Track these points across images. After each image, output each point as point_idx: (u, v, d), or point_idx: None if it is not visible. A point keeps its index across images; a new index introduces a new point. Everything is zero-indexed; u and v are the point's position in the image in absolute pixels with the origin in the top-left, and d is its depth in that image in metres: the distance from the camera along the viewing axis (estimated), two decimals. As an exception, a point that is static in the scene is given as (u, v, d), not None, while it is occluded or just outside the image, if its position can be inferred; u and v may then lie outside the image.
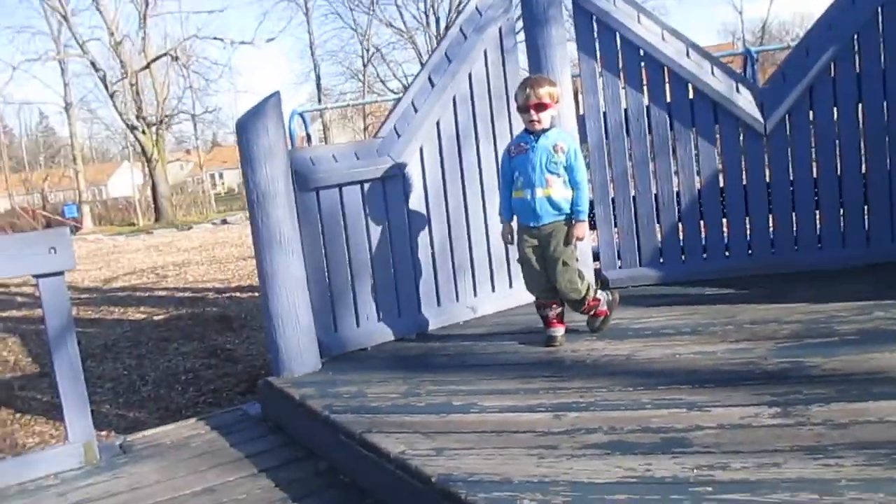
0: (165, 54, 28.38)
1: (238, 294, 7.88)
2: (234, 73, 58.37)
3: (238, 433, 3.23)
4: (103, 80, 26.89)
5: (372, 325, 3.64)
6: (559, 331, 3.32)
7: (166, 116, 29.51)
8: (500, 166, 3.39)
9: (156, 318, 6.97)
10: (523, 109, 3.20)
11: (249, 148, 3.17)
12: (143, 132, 27.20)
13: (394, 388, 2.98)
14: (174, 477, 2.81)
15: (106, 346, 5.93)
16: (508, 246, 3.49)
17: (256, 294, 7.16)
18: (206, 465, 2.89)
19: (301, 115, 12.52)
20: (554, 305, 3.32)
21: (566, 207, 3.21)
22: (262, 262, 3.26)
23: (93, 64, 26.57)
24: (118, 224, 26.32)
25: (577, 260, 3.31)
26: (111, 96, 27.26)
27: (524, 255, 3.30)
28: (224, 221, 21.88)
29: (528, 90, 3.17)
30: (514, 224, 3.35)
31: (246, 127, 3.18)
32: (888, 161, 3.97)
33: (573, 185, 3.21)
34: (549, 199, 3.18)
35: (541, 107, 3.15)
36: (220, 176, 56.06)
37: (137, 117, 27.23)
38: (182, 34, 29.57)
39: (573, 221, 3.23)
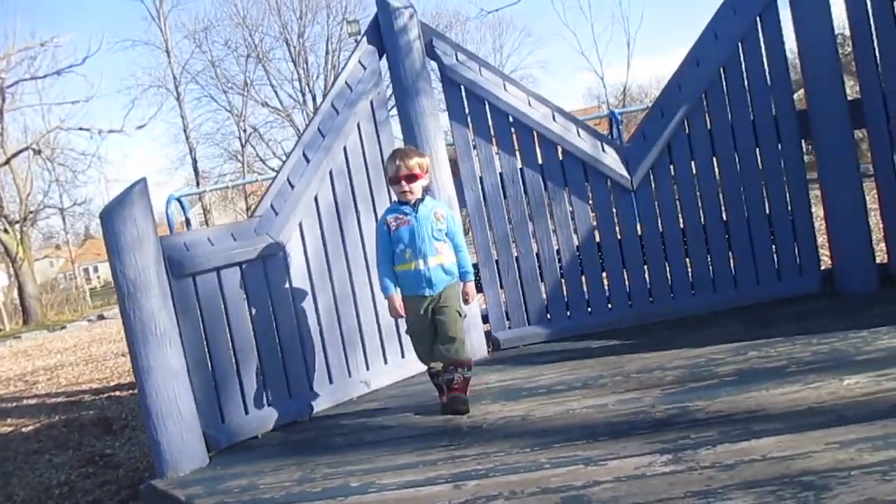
0: (26, 149, 27.03)
1: (118, 393, 7.39)
2: (103, 162, 55.90)
3: (119, 545, 2.97)
4: (-42, 178, 25.33)
5: (261, 411, 3.49)
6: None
7: (31, 213, 27.94)
8: (377, 240, 3.30)
9: (25, 429, 6.42)
10: (394, 181, 3.21)
11: (116, 238, 3.03)
12: (6, 231, 25.60)
13: (287, 476, 2.84)
14: None
15: (-34, 465, 5.38)
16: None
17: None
18: (83, 586, 2.63)
19: (179, 199, 12.15)
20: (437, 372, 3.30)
21: (456, 272, 3.26)
22: (136, 356, 3.08)
23: (-55, 162, 25.02)
24: (-19, 330, 24.37)
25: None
26: (-32, 194, 25.68)
27: (415, 327, 3.27)
28: (101, 317, 20.71)
29: (397, 162, 3.18)
30: (399, 296, 3.29)
31: (111, 217, 3.03)
32: (745, 208, 4.24)
33: (456, 249, 3.27)
34: (442, 267, 3.20)
35: (411, 178, 3.17)
36: (96, 269, 53.43)
37: (-2, 216, 25.69)
38: (45, 126, 28.15)
39: (463, 283, 3.29)
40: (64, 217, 32.97)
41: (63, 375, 9.55)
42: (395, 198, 3.38)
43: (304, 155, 3.79)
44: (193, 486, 2.92)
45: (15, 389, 9.18)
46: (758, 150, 4.22)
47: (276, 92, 33.48)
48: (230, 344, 3.42)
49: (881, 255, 4.38)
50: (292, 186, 3.71)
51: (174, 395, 3.08)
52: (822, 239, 4.40)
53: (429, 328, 3.24)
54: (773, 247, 4.25)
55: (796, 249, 4.24)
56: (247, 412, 3.45)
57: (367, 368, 3.87)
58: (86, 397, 7.49)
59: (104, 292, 34.70)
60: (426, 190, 3.31)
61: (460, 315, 3.23)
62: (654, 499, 2.07)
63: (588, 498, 2.16)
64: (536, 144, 4.33)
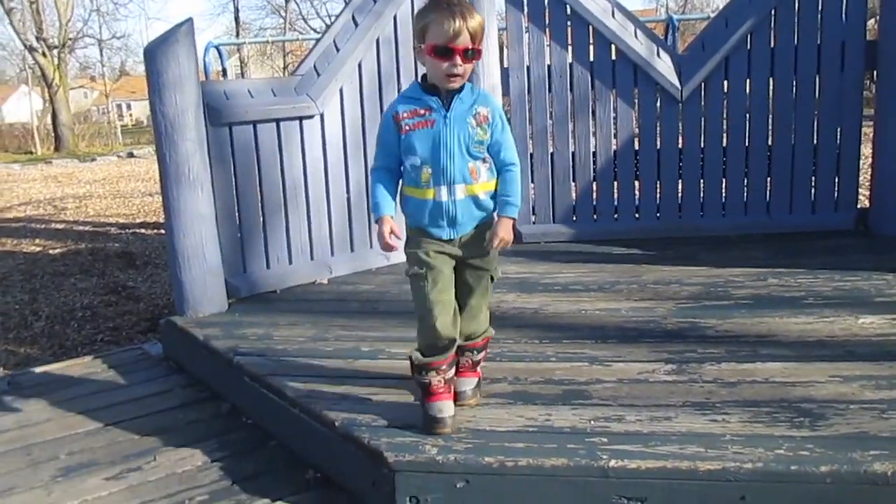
0: (70, -29, 26.53)
1: (143, 230, 7.58)
2: (146, -3, 55.02)
3: (136, 372, 3.14)
4: (0, -5, 24.97)
5: (283, 267, 3.57)
6: (452, 406, 2.09)
7: (69, 39, 27.71)
8: (378, 135, 2.11)
9: (52, 251, 6.64)
10: (442, 52, 1.91)
11: (158, 76, 3.01)
12: (44, 54, 25.46)
13: (302, 332, 2.95)
14: (66, 415, 2.71)
15: (-4, 278, 5.62)
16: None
17: (163, 231, 6.91)
18: (101, 404, 2.80)
19: (217, 48, 12.01)
20: (446, 363, 2.08)
21: (492, 204, 2.07)
22: (168, 197, 3.13)
23: (-13, -23, 24.60)
24: (14, 152, 24.67)
25: None
26: (7, 13, 25.37)
27: (432, 266, 2.05)
28: (131, 154, 20.88)
29: (456, 22, 1.89)
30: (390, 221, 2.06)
31: (155, 54, 3.01)
32: (793, 136, 4.13)
33: (504, 166, 2.05)
34: (476, 201, 2.03)
35: (471, 53, 1.94)
36: (129, 107, 53.33)
37: (37, 38, 25.45)
38: (90, -49, 27.58)
39: (498, 217, 2.06)
40: (101, 49, 32.78)
41: (91, 206, 9.77)
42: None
43: (353, 18, 3.69)
44: (211, 328, 3.04)
45: (44, 212, 9.43)
46: (818, 76, 4.07)
47: (327, -53, 32.22)
48: (259, 198, 3.47)
49: (921, 203, 4.28)
50: (338, 49, 3.64)
51: (201, 239, 3.16)
52: (862, 178, 4.30)
53: (451, 278, 2.09)
54: (813, 178, 4.17)
55: (836, 184, 4.15)
56: (268, 267, 3.54)
57: (389, 242, 3.92)
58: (112, 230, 7.69)
59: (135, 131, 34.87)
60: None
61: (492, 280, 2.18)
62: (652, 403, 2.14)
63: (589, 393, 2.23)
64: (591, 40, 4.19)
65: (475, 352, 2.21)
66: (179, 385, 2.98)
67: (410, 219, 2.10)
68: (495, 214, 2.07)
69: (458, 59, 1.92)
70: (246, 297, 3.42)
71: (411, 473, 1.91)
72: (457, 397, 2.14)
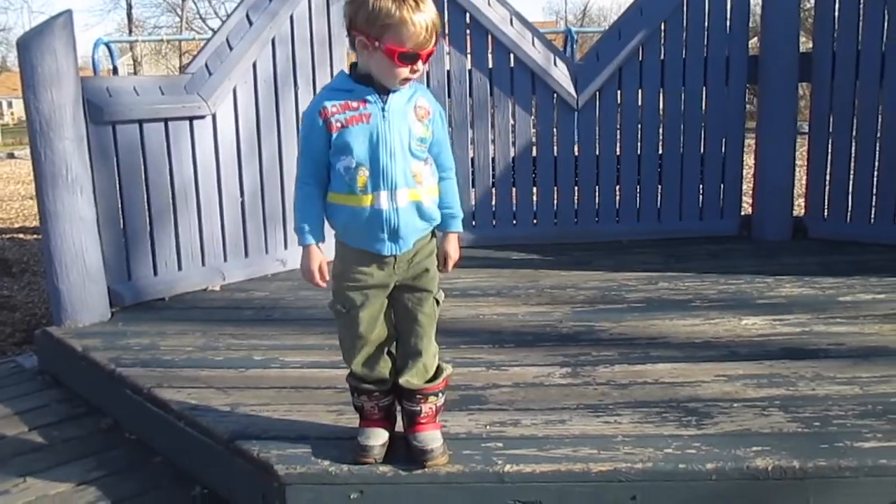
0: (-55, -41, 24.79)
1: (21, 236, 7.12)
2: (29, -10, 51.95)
3: (8, 387, 2.93)
4: None
5: (171, 273, 3.41)
6: (383, 434, 1.92)
7: (-56, 31, 25.90)
8: (302, 140, 1.80)
9: (-83, 258, 6.13)
10: (408, 58, 1.65)
11: (33, 70, 2.82)
12: (-86, 46, 23.73)
13: (190, 341, 2.82)
14: (-76, 436, 2.49)
15: None
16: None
17: (43, 236, 6.51)
18: (-34, 423, 2.58)
19: (107, 44, 11.45)
20: (383, 393, 1.94)
21: (437, 214, 1.87)
22: (43, 199, 2.94)
23: None
24: None
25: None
26: None
27: (362, 305, 1.85)
28: (11, 155, 19.62)
29: (428, 23, 1.64)
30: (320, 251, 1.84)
31: (29, 46, 2.82)
32: (681, 146, 4.30)
33: (443, 171, 1.89)
34: (419, 208, 1.79)
35: (430, 56, 1.73)
36: (10, 104, 50.25)
37: None
38: (-33, -61, 25.88)
39: (444, 233, 1.92)
40: (-21, 44, 30.71)
41: (-36, 210, 9.10)
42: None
43: (247, 16, 3.58)
44: (91, 338, 2.87)
45: None
46: (704, 88, 4.24)
47: (225, -55, 31.42)
48: (146, 201, 3.30)
49: (798, 209, 4.55)
50: (231, 48, 3.51)
51: (80, 244, 2.98)
52: (745, 185, 4.52)
53: (382, 312, 1.88)
54: (701, 186, 4.34)
55: (722, 192, 4.34)
56: (156, 273, 3.37)
57: (286, 248, 3.82)
58: (-14, 236, 7.18)
59: (17, 130, 32.85)
60: None
61: (437, 305, 1.92)
62: (547, 406, 2.15)
63: (485, 398, 2.22)
64: (489, 47, 4.22)
65: (439, 395, 1.92)
66: (56, 400, 2.79)
67: (342, 234, 1.83)
68: (438, 231, 1.90)
69: (421, 64, 1.68)
70: (131, 306, 3.24)
71: (303, 486, 1.85)
72: (422, 456, 1.84)
